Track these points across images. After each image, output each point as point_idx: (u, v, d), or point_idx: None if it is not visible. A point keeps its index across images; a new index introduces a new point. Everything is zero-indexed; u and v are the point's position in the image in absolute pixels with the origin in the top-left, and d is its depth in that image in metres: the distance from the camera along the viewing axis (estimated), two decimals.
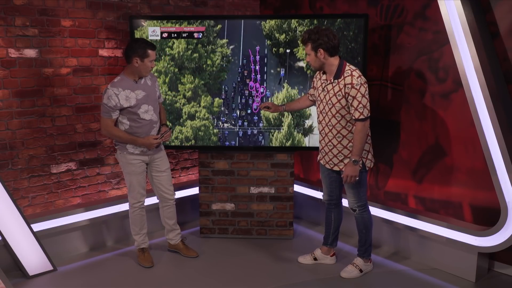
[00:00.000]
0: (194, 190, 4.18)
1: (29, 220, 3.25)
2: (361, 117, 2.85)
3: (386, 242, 3.66)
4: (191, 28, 3.58)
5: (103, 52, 3.70)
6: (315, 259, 3.46)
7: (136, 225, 3.41)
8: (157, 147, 3.32)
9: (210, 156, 3.84)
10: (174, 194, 3.52)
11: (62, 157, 3.60)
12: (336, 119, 2.96)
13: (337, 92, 2.90)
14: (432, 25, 3.27)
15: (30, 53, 3.34)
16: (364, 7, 3.70)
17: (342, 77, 2.87)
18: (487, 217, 3.15)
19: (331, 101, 2.94)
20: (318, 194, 4.10)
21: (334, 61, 2.92)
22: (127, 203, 3.46)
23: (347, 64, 2.93)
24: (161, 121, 3.36)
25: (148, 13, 3.90)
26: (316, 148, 3.72)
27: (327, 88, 2.96)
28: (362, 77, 2.87)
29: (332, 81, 2.93)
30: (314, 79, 3.13)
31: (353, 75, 2.85)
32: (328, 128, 3.02)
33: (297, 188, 4.25)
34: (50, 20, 3.40)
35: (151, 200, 3.74)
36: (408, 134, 3.53)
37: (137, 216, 3.39)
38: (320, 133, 3.14)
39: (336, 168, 3.09)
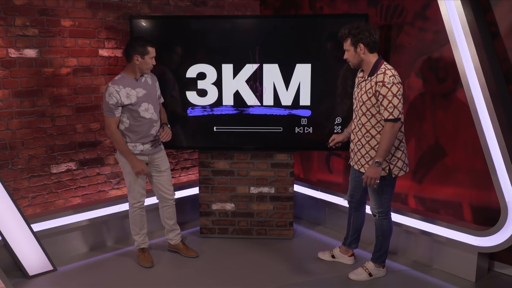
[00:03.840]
0: (194, 190, 4.19)
1: (29, 220, 3.25)
2: (390, 117, 2.75)
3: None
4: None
5: (103, 52, 3.70)
6: (333, 256, 3.46)
7: (136, 225, 3.41)
8: (157, 146, 3.32)
9: (210, 156, 3.84)
10: (174, 194, 3.52)
11: (62, 157, 3.60)
12: (366, 117, 2.90)
13: (368, 89, 2.84)
14: (432, 25, 3.27)
15: (30, 53, 3.34)
16: (364, 7, 3.70)
17: (375, 75, 2.81)
18: (487, 217, 3.15)
19: (362, 99, 2.89)
20: (318, 194, 4.10)
21: (373, 58, 2.86)
22: (127, 203, 3.46)
23: (384, 62, 2.85)
24: (161, 121, 3.37)
25: (148, 13, 3.90)
26: (316, 148, 3.74)
27: (361, 85, 2.92)
28: (397, 76, 2.77)
29: (366, 78, 2.88)
30: (356, 79, 3.07)
31: (386, 73, 2.76)
32: (358, 126, 2.97)
33: (297, 188, 4.25)
34: (50, 20, 3.40)
35: (151, 200, 3.74)
36: (408, 134, 3.53)
37: (137, 216, 3.39)
38: (352, 132, 3.10)
39: (362, 170, 2.99)
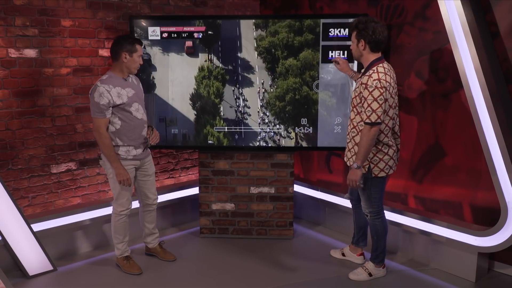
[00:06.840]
0: (194, 190, 4.19)
1: (29, 220, 3.25)
2: (367, 121, 2.74)
3: (386, 242, 3.65)
4: (191, 28, 3.58)
5: (103, 52, 3.70)
6: (343, 254, 3.49)
7: (120, 233, 3.29)
8: (145, 150, 3.26)
9: (210, 156, 3.84)
10: (157, 198, 3.46)
11: (62, 157, 3.60)
12: (354, 113, 2.93)
13: (356, 88, 2.88)
14: (432, 25, 3.27)
15: (30, 53, 3.34)
16: (364, 7, 3.70)
17: (364, 75, 2.82)
18: (487, 217, 3.15)
19: (351, 96, 2.93)
20: (318, 194, 4.10)
21: (372, 56, 2.83)
22: None
23: (381, 64, 2.80)
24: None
25: (148, 13, 3.90)
26: (315, 149, 3.73)
27: (357, 82, 2.93)
28: (383, 81, 2.71)
29: (360, 75, 2.90)
30: None
31: (371, 76, 2.74)
32: (349, 120, 3.01)
33: (297, 188, 4.25)
34: (50, 20, 3.40)
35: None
36: (408, 134, 3.53)
37: (122, 224, 3.27)
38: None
39: (348, 162, 3.06)
